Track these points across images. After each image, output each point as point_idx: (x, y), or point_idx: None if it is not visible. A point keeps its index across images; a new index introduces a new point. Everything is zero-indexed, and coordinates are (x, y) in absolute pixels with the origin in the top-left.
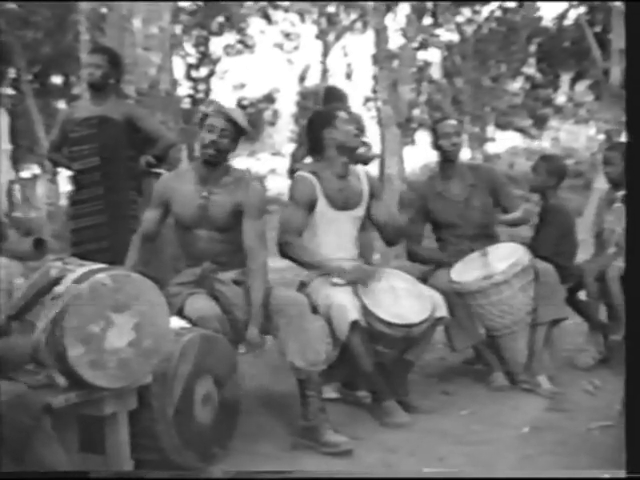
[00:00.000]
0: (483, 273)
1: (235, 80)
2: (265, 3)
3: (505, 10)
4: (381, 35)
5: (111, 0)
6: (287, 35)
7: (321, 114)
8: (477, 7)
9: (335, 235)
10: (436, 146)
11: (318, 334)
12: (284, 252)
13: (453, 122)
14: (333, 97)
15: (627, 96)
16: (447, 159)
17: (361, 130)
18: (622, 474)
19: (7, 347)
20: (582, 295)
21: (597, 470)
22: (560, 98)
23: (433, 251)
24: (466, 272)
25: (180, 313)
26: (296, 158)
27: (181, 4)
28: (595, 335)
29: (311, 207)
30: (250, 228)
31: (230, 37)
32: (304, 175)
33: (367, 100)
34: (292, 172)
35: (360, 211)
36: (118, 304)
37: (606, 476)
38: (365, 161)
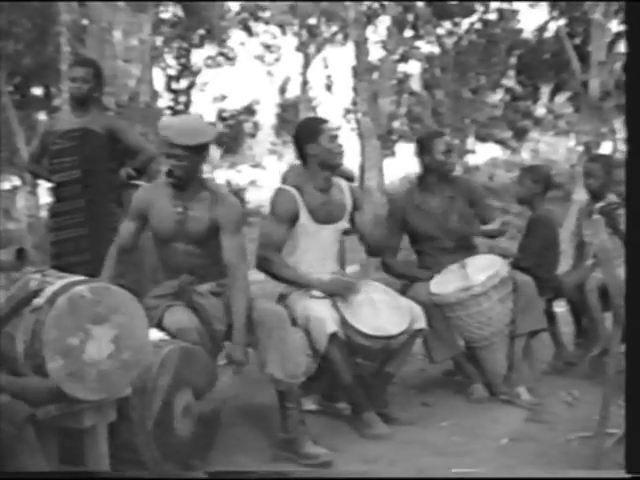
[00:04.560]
0: (462, 285)
1: (215, 92)
2: (246, 15)
3: (485, 22)
4: (361, 47)
5: (91, 0)
6: (268, 47)
7: (306, 128)
8: (457, 19)
9: (317, 249)
10: (429, 160)
11: (298, 346)
12: (262, 267)
13: (448, 138)
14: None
15: (627, 98)
16: (442, 173)
17: None
18: (622, 474)
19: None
20: (559, 306)
21: (597, 471)
22: (540, 110)
23: (407, 266)
24: (445, 284)
25: (159, 325)
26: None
27: (162, 16)
28: (560, 347)
29: (292, 221)
30: (229, 244)
31: (211, 49)
32: (285, 189)
33: (347, 112)
34: None
35: (343, 224)
36: (97, 316)
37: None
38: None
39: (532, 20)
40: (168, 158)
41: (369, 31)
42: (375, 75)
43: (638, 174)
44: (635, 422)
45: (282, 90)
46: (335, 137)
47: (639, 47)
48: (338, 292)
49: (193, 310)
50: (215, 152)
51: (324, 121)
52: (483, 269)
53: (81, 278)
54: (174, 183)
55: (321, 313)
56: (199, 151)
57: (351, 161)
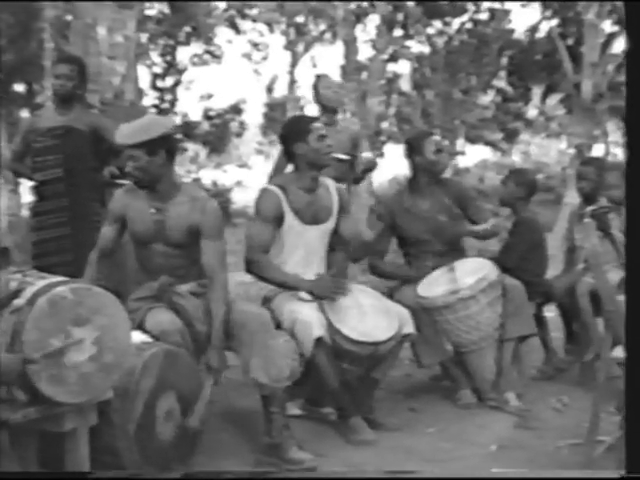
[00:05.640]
0: (450, 288)
1: (202, 90)
2: (233, 12)
3: (476, 22)
4: (350, 46)
5: None
6: (255, 45)
7: (294, 126)
8: (448, 19)
9: (303, 249)
10: (420, 160)
11: (281, 350)
12: (251, 270)
13: (438, 138)
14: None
15: (627, 98)
16: (434, 173)
17: (355, 145)
18: (622, 474)
19: None
20: (548, 311)
21: (595, 471)
22: (531, 112)
23: (395, 267)
24: (433, 287)
25: (141, 328)
26: (278, 168)
27: (147, 12)
28: (550, 352)
29: (278, 222)
30: (209, 249)
31: (197, 47)
32: (269, 189)
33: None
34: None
35: (330, 225)
36: (79, 318)
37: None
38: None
39: (524, 20)
40: (128, 161)
41: (358, 30)
42: (364, 75)
43: (637, 176)
44: (635, 422)
45: (269, 89)
46: (324, 137)
47: (639, 47)
48: (325, 293)
49: (174, 311)
50: (201, 151)
51: (313, 120)
52: (472, 272)
53: (62, 279)
54: (138, 185)
55: (307, 317)
56: (152, 149)
57: None
